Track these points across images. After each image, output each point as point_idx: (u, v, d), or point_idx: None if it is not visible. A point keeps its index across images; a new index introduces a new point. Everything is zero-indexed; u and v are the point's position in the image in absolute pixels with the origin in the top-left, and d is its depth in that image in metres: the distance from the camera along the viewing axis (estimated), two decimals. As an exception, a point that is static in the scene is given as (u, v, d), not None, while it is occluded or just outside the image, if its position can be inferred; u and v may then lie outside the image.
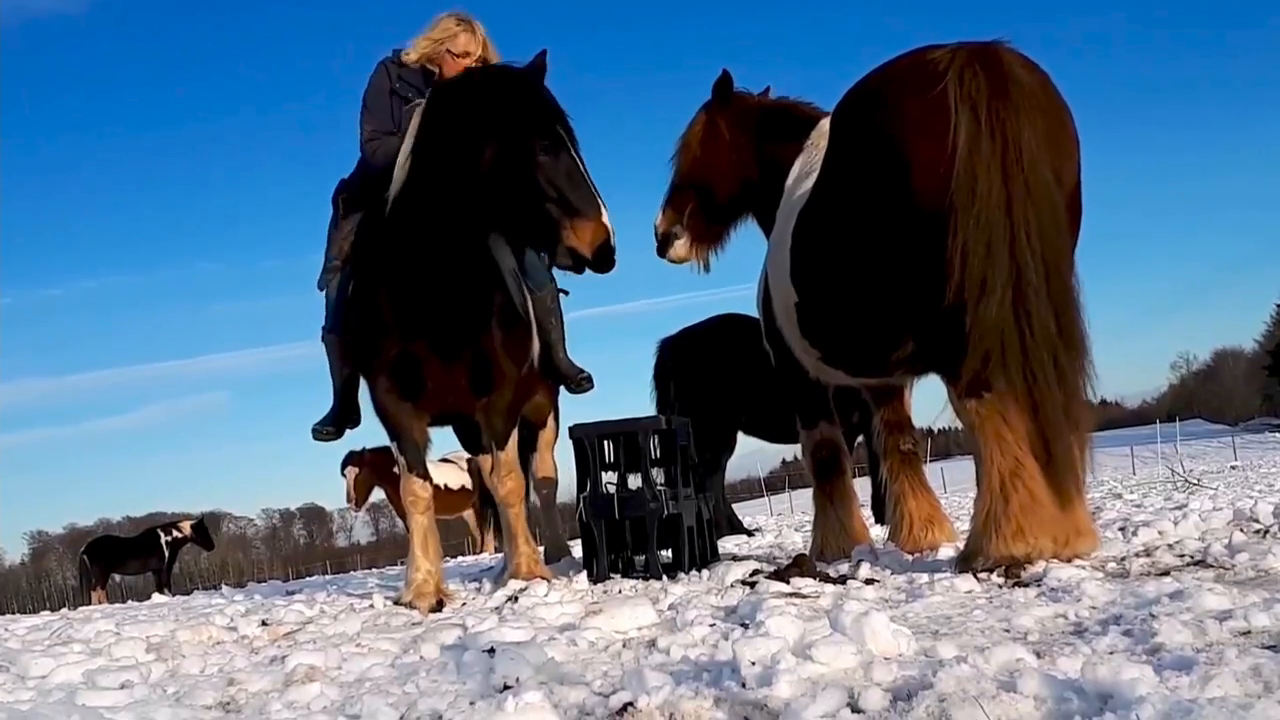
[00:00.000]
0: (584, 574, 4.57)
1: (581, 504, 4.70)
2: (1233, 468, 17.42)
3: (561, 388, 5.56)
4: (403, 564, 5.10)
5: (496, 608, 3.92)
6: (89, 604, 15.64)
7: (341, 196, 4.89)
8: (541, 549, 5.40)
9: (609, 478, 4.72)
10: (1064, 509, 3.38)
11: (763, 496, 42.62)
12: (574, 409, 6.15)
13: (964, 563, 3.53)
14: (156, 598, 10.66)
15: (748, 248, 5.33)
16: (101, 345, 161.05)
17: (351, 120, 4.74)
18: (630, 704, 1.93)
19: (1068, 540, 3.39)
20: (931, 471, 7.16)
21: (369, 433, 4.92)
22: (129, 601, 12.82)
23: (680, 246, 5.25)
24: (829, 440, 4.88)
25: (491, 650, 2.53)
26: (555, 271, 4.87)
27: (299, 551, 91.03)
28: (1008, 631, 2.47)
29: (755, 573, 3.97)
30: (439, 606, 4.23)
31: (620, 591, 4.09)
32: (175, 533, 20.31)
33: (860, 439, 7.52)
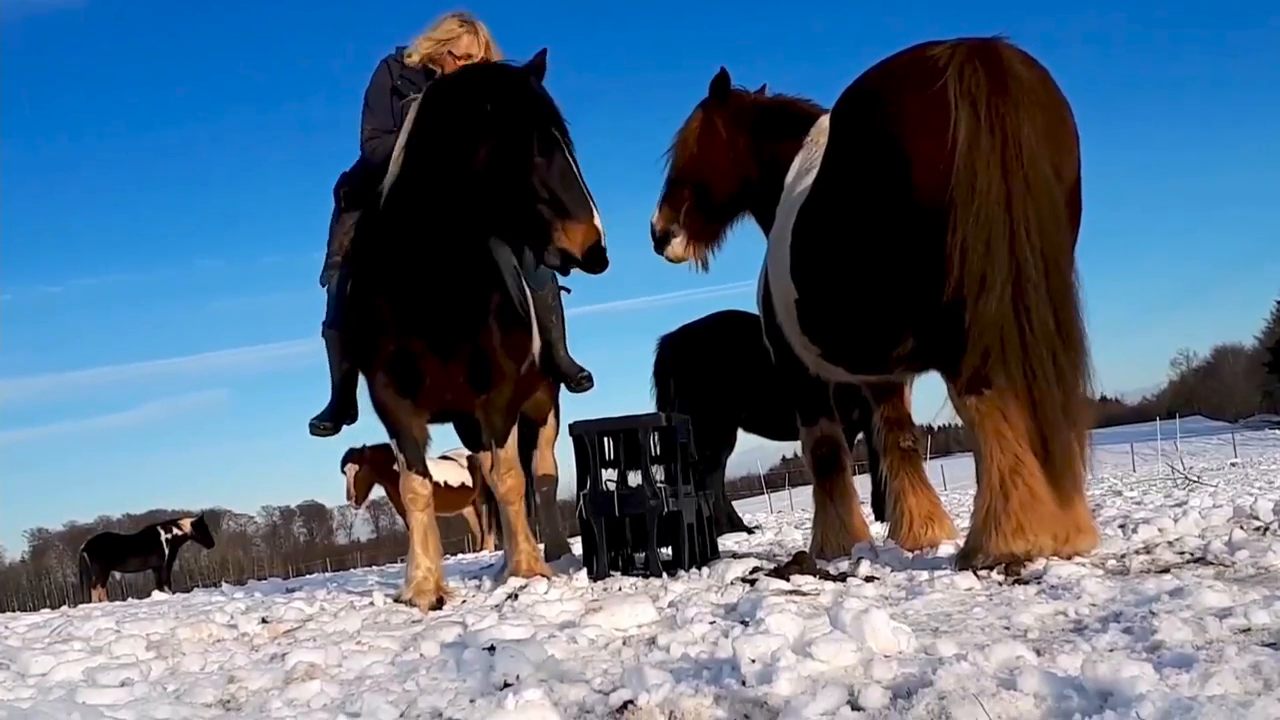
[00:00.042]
0: (584, 571, 4.57)
1: (581, 501, 4.69)
2: (1233, 465, 17.43)
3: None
4: (403, 561, 5.10)
5: (496, 605, 3.92)
6: (89, 601, 15.67)
7: (343, 190, 4.87)
8: (541, 546, 5.40)
9: (609, 475, 4.71)
10: (1064, 506, 3.38)
11: (763, 494, 42.54)
12: (574, 406, 6.15)
13: (964, 560, 3.53)
14: (156, 595, 10.66)
15: (747, 245, 5.33)
16: (101, 342, 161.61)
17: (352, 119, 4.73)
18: (630, 701, 1.93)
19: (1068, 537, 3.39)
20: (931, 468, 7.15)
21: (369, 430, 4.91)
22: (129, 599, 12.81)
23: (677, 245, 5.24)
24: (829, 437, 4.88)
25: (491, 648, 2.53)
26: (552, 269, 4.86)
27: (299, 549, 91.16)
28: (1008, 629, 2.47)
29: (755, 570, 3.97)
30: (439, 604, 4.22)
31: (620, 589, 4.09)
32: (175, 530, 20.33)
33: (860, 436, 7.53)
